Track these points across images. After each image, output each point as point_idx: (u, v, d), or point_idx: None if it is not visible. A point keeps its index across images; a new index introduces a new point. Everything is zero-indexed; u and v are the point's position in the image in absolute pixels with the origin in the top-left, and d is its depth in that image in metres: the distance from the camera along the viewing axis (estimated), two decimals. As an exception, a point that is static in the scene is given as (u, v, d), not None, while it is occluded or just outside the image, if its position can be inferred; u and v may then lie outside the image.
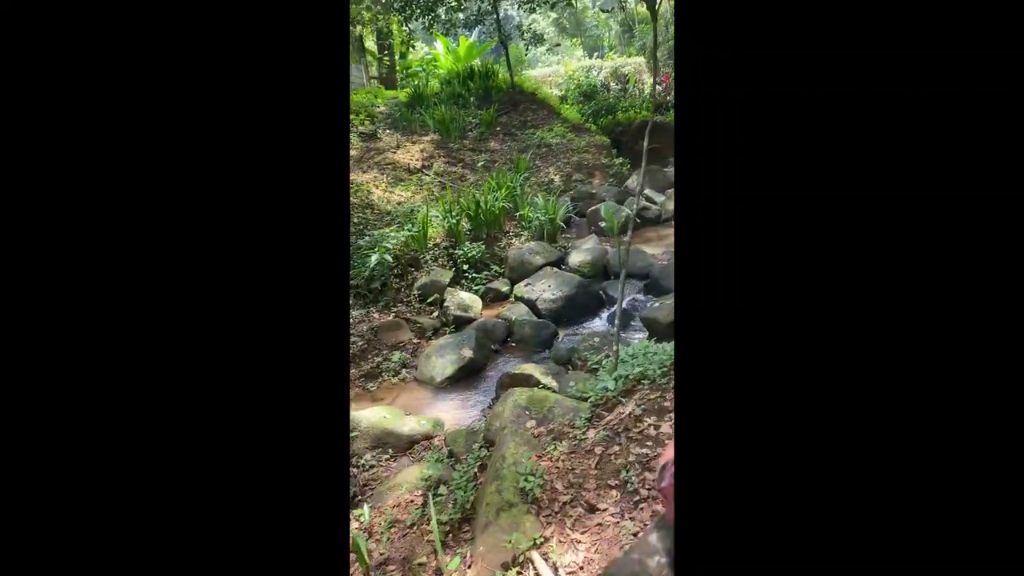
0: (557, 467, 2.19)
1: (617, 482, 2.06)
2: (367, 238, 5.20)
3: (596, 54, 15.01)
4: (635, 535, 1.84)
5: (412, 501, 2.50)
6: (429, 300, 4.81)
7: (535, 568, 1.81)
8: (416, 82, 9.74)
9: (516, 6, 8.84)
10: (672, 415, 1.93)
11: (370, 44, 10.88)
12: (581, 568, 1.79)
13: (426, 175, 7.08)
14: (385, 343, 4.40)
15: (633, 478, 2.03)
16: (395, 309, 4.76)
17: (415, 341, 4.48)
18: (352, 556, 2.07)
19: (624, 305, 4.57)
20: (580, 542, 1.88)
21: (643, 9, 13.28)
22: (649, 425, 2.34)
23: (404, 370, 4.13)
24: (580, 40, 17.07)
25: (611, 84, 11.17)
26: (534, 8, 9.22)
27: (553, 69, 13.15)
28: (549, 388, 3.24)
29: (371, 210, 6.03)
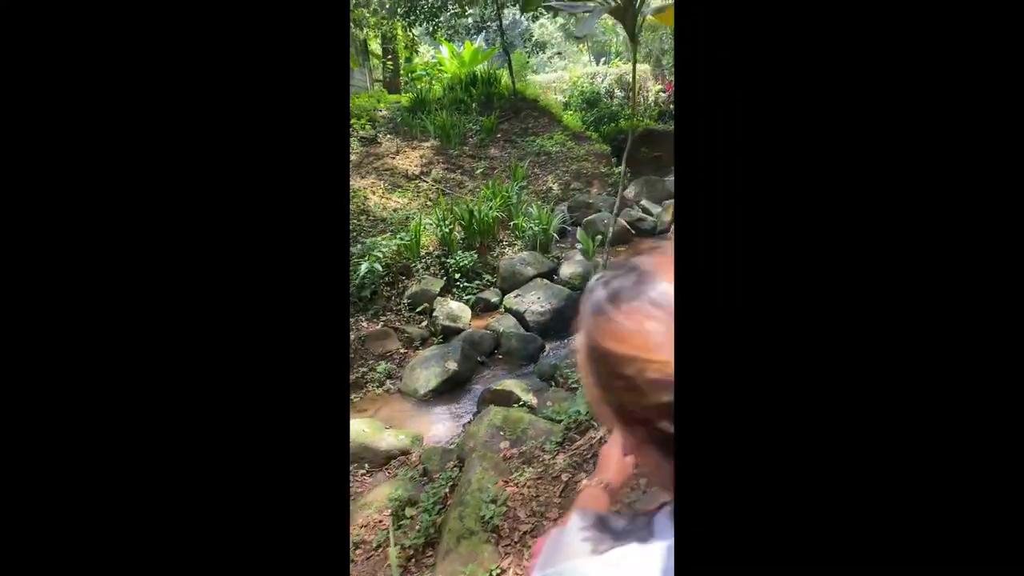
0: (522, 493, 2.17)
1: (580, 512, 2.03)
2: (359, 246, 5.20)
3: (603, 60, 14.99)
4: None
5: (380, 521, 2.49)
6: (419, 309, 4.81)
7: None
8: (419, 86, 9.76)
9: (521, 12, 8.81)
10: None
11: (375, 47, 10.91)
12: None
13: (424, 181, 7.09)
14: (372, 352, 4.40)
15: (596, 508, 2.01)
16: (384, 318, 4.76)
17: (402, 351, 4.47)
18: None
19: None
20: None
21: (651, 17, 13.24)
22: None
23: (389, 381, 4.12)
24: (587, 46, 17.04)
25: (615, 91, 11.14)
26: (537, 16, 9.21)
27: (558, 75, 13.14)
28: (528, 406, 3.22)
29: (366, 216, 6.03)
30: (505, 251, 5.75)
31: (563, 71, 13.57)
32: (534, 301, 4.77)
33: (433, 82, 9.95)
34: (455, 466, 2.65)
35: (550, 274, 5.34)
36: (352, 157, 7.33)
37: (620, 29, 14.08)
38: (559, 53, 15.12)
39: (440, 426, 3.54)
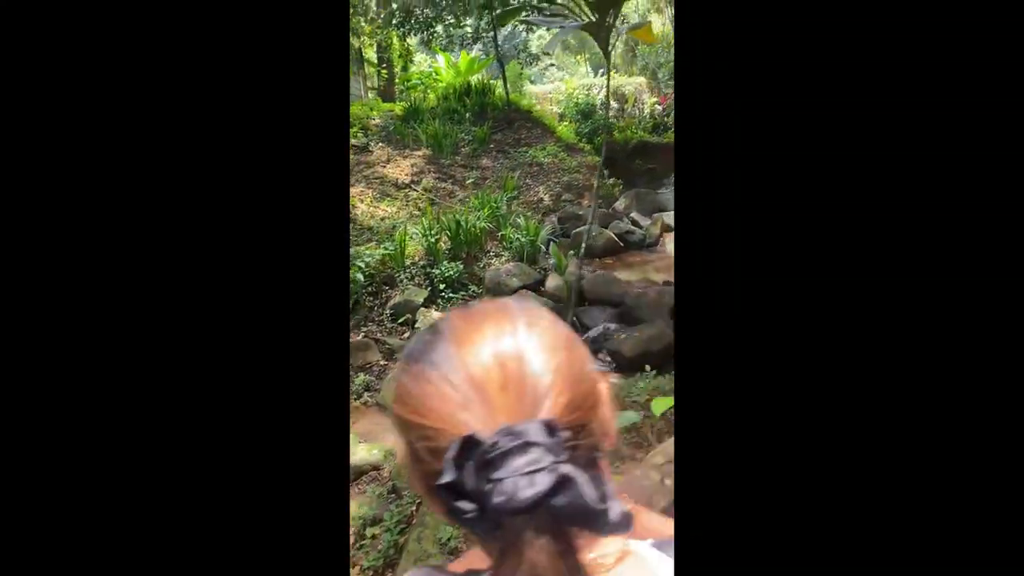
0: (485, 515, 2.12)
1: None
2: (344, 255, 5.16)
3: (601, 71, 15.06)
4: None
5: (343, 540, 2.43)
6: (401, 320, 4.75)
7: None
8: (414, 95, 9.76)
9: (495, 26, 8.82)
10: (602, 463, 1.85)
11: (370, 55, 10.94)
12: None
13: (414, 190, 7.06)
14: (352, 364, 4.34)
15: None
16: (365, 329, 4.71)
17: (383, 363, 4.42)
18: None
19: (594, 334, 4.49)
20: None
21: (628, 33, 13.30)
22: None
23: (367, 393, 4.06)
24: (585, 57, 17.12)
25: (611, 103, 11.16)
26: (532, 28, 9.24)
27: (555, 86, 13.18)
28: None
29: (352, 225, 5.99)
30: (492, 262, 5.71)
31: (560, 82, 13.62)
32: (518, 313, 4.72)
33: (428, 91, 9.96)
34: (423, 483, 2.59)
35: (536, 286, 5.29)
36: (343, 165, 7.29)
37: (619, 43, 14.18)
38: (553, 64, 15.15)
39: (415, 440, 3.48)
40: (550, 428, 0.35)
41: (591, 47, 16.90)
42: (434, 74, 10.64)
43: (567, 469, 0.34)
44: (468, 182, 7.41)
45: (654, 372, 2.98)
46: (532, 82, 13.79)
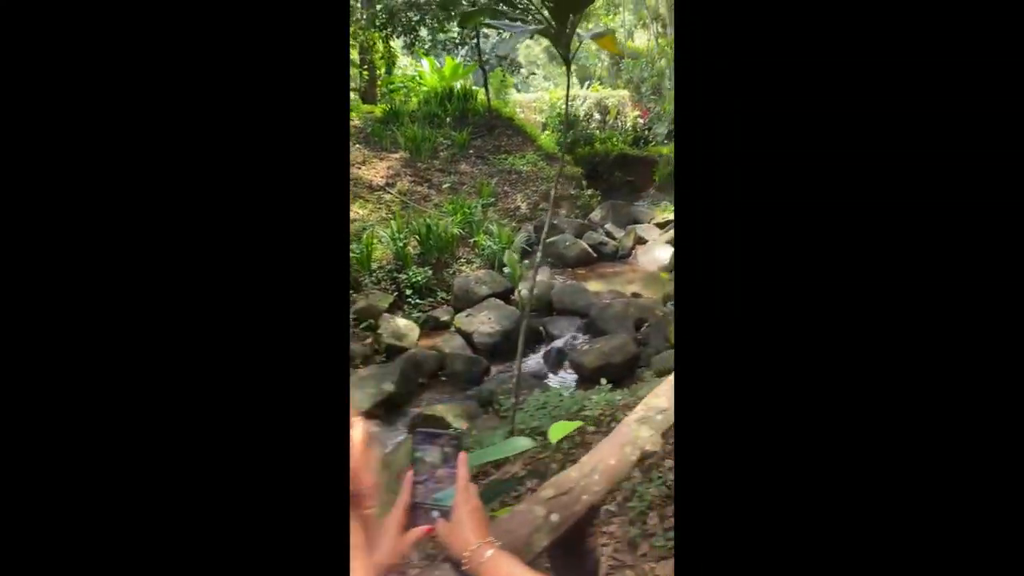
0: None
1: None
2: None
3: (587, 83, 15.14)
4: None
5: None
6: (364, 325, 4.62)
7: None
8: (395, 98, 9.66)
9: (459, 27, 8.78)
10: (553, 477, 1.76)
11: (352, 56, 10.82)
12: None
13: (388, 193, 6.94)
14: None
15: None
16: (326, 333, 4.57)
17: (342, 368, 4.28)
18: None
19: (561, 344, 4.42)
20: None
21: (632, 43, 13.41)
22: (527, 490, 2.17)
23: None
24: (573, 68, 17.18)
25: (594, 114, 11.18)
26: (500, 32, 9.20)
27: (539, 95, 13.18)
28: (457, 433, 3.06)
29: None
30: (462, 269, 5.61)
31: (545, 91, 13.63)
32: (484, 322, 4.62)
33: (410, 95, 9.87)
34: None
35: (506, 294, 5.20)
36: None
37: (604, 55, 14.27)
38: (534, 73, 15.19)
39: (366, 451, 3.35)
40: None
41: (577, 59, 16.99)
42: (418, 78, 10.56)
43: None
44: (444, 187, 7.32)
45: (609, 386, 2.89)
46: (518, 90, 13.77)
